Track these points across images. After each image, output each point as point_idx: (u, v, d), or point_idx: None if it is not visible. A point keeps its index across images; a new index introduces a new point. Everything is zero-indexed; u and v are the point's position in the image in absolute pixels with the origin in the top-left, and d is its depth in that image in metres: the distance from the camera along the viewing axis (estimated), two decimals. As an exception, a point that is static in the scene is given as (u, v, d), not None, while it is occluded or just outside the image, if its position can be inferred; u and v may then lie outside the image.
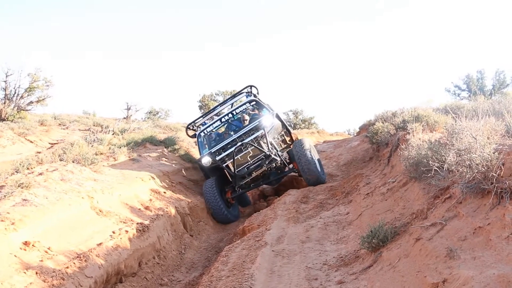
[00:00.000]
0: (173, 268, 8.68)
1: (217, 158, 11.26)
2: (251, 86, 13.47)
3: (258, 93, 13.46)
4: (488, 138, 5.61)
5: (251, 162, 11.25)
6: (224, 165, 11.33)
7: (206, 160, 11.49)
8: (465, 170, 5.17)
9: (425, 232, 5.20)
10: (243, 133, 11.37)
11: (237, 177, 11.55)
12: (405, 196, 7.16)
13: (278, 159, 11.56)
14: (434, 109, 11.86)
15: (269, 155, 11.22)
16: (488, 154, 4.97)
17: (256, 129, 11.33)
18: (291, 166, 12.30)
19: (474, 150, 5.24)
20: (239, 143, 11.13)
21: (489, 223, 4.49)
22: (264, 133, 11.17)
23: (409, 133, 9.21)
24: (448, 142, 6.50)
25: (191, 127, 13.98)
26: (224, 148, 11.38)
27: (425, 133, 8.79)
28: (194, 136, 13.48)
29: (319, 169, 11.72)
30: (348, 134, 31.89)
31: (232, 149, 11.06)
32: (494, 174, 4.75)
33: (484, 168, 4.90)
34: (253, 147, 11.13)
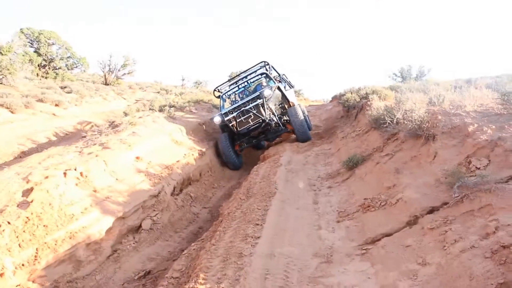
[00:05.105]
0: (219, 178, 8.95)
1: (226, 118, 9.63)
2: (264, 62, 11.54)
3: (270, 67, 11.51)
4: (420, 104, 5.85)
5: (252, 123, 9.58)
6: (230, 124, 9.69)
7: (217, 120, 9.86)
8: (407, 123, 5.43)
9: (381, 159, 5.48)
10: (246, 101, 9.78)
11: (239, 135, 10.13)
12: (368, 139, 7.21)
13: (273, 123, 9.89)
14: (384, 87, 11.74)
15: (265, 120, 9.58)
16: (423, 114, 5.27)
17: (259, 97, 9.67)
18: (285, 127, 10.37)
19: (414, 111, 5.48)
20: (242, 109, 9.54)
21: (420, 154, 4.82)
22: (263, 102, 9.56)
23: (369, 101, 9.13)
24: (396, 106, 6.59)
25: (217, 90, 11.95)
26: (231, 111, 9.70)
27: (380, 101, 8.77)
28: (218, 97, 11.89)
29: (307, 130, 10.16)
30: (323, 101, 31.59)
31: (235, 114, 9.57)
32: (425, 125, 5.06)
33: (419, 122, 5.19)
34: (252, 112, 9.54)
